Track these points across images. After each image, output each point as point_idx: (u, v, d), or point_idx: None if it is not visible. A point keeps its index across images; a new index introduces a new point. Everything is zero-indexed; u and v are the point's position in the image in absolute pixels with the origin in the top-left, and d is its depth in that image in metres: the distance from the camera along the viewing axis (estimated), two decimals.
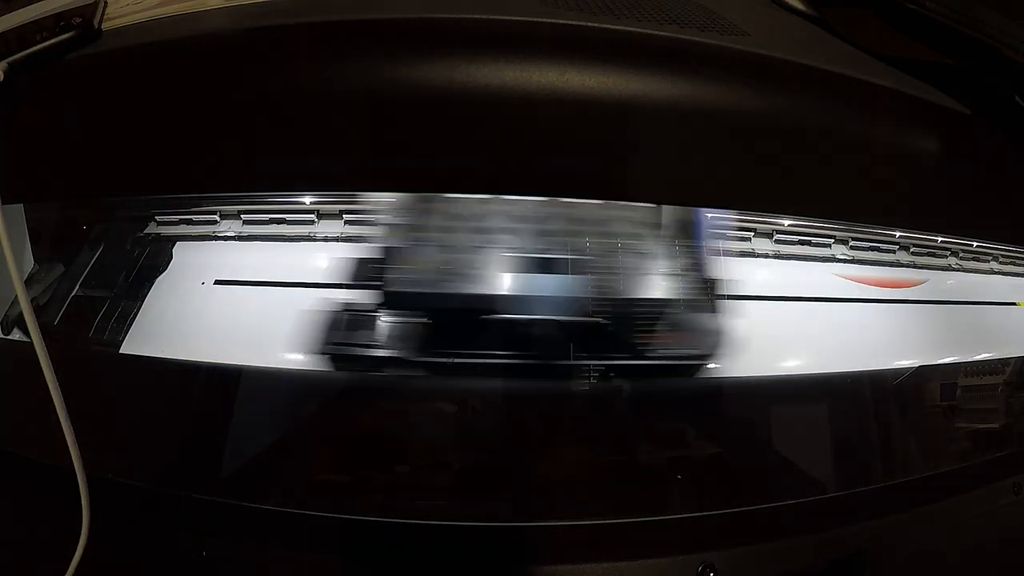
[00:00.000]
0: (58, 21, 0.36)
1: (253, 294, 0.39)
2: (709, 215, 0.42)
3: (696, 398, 0.39)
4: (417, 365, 0.36)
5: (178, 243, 0.40)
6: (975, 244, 0.52)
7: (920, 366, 0.44)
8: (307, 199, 0.39)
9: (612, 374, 0.38)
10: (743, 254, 0.44)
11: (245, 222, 0.40)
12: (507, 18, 0.35)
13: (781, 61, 0.38)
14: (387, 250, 0.38)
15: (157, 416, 0.38)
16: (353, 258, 0.38)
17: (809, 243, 0.45)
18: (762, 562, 0.37)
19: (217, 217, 0.40)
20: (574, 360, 0.38)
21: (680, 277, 0.41)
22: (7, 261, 0.31)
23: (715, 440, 0.40)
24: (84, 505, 0.32)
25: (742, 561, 0.36)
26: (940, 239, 0.49)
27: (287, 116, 0.34)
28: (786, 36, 0.44)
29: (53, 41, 0.35)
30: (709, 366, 0.39)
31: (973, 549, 0.42)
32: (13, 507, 0.37)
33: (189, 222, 0.41)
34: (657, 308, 0.40)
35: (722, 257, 0.43)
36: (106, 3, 0.40)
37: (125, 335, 0.37)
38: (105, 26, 0.38)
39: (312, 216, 0.40)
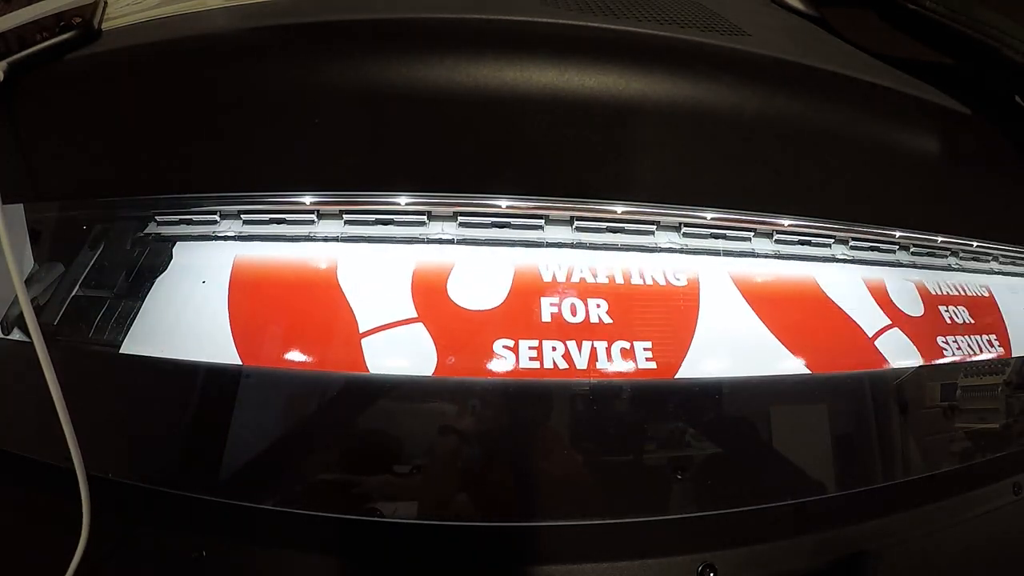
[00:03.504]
0: (58, 21, 0.36)
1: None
2: (709, 215, 0.42)
3: (696, 398, 0.39)
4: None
5: (178, 243, 0.40)
6: (975, 244, 0.52)
7: (920, 366, 0.44)
8: (307, 199, 0.39)
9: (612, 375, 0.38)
10: (743, 254, 0.44)
11: (245, 222, 0.40)
12: (507, 18, 0.35)
13: (781, 61, 0.38)
14: None
15: (157, 416, 0.38)
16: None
17: (809, 243, 0.45)
18: (762, 562, 0.37)
19: (217, 217, 0.40)
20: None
21: None
22: (7, 261, 0.31)
23: (715, 440, 0.40)
24: (84, 505, 0.32)
25: (742, 561, 0.36)
26: (940, 239, 0.49)
27: (287, 116, 0.34)
28: (786, 36, 0.44)
29: (53, 41, 0.35)
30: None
31: (973, 549, 0.42)
32: (13, 507, 0.37)
33: (189, 222, 0.41)
34: None
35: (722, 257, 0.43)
36: (106, 3, 0.40)
37: (125, 335, 0.37)
38: (105, 26, 0.38)
39: (312, 216, 0.40)
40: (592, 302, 0.39)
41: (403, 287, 0.38)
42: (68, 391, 0.32)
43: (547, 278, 0.39)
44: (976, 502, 0.44)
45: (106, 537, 0.34)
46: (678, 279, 0.41)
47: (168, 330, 0.37)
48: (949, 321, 0.48)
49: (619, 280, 0.40)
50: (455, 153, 0.35)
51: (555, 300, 0.38)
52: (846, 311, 0.44)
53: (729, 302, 0.41)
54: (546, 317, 0.38)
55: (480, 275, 0.39)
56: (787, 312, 0.42)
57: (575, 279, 0.40)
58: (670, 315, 0.40)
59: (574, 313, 0.38)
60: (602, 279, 0.40)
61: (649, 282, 0.40)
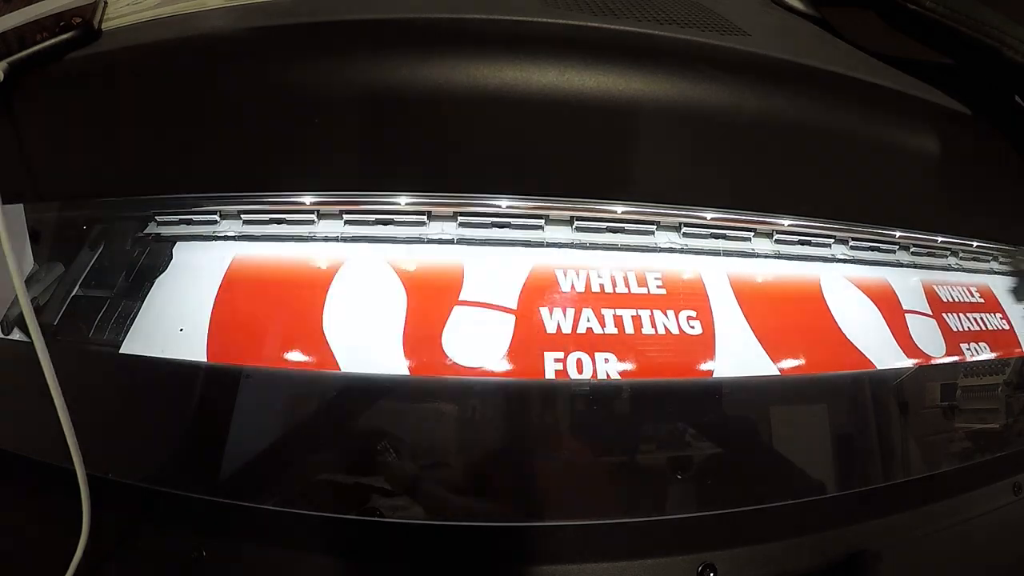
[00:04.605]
0: (58, 21, 0.36)
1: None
2: (709, 215, 0.42)
3: (696, 398, 0.39)
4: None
5: (178, 243, 0.40)
6: (975, 244, 0.52)
7: (920, 366, 0.44)
8: (307, 199, 0.39)
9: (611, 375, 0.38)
10: (743, 254, 0.43)
11: (245, 222, 0.40)
12: (507, 18, 0.35)
13: (781, 61, 0.38)
14: None
15: (157, 416, 0.38)
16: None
17: (809, 243, 0.45)
18: (762, 562, 0.37)
19: (217, 217, 0.40)
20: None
21: None
22: (7, 261, 0.31)
23: (715, 440, 0.40)
24: (84, 505, 0.32)
25: (742, 561, 0.36)
26: (940, 239, 0.49)
27: (287, 116, 0.34)
28: (786, 36, 0.45)
29: (53, 41, 0.35)
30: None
31: (973, 549, 0.42)
32: (13, 507, 0.37)
33: (189, 222, 0.41)
34: None
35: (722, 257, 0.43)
36: (106, 3, 0.40)
37: (125, 335, 0.37)
38: (105, 26, 0.38)
39: (312, 216, 0.40)
40: (600, 356, 0.37)
41: (394, 339, 0.36)
42: (68, 391, 0.32)
43: (551, 329, 0.37)
44: (976, 502, 0.44)
45: (106, 537, 0.34)
46: (692, 327, 0.39)
47: (168, 330, 0.37)
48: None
49: (629, 330, 0.38)
50: (455, 153, 0.35)
51: (559, 356, 0.36)
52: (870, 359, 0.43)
53: (746, 348, 0.40)
54: (550, 374, 0.36)
55: (478, 325, 0.37)
56: (799, 348, 0.41)
57: (581, 329, 0.37)
58: (683, 367, 0.38)
59: (580, 370, 0.36)
60: (611, 328, 0.38)
61: (661, 331, 0.38)
